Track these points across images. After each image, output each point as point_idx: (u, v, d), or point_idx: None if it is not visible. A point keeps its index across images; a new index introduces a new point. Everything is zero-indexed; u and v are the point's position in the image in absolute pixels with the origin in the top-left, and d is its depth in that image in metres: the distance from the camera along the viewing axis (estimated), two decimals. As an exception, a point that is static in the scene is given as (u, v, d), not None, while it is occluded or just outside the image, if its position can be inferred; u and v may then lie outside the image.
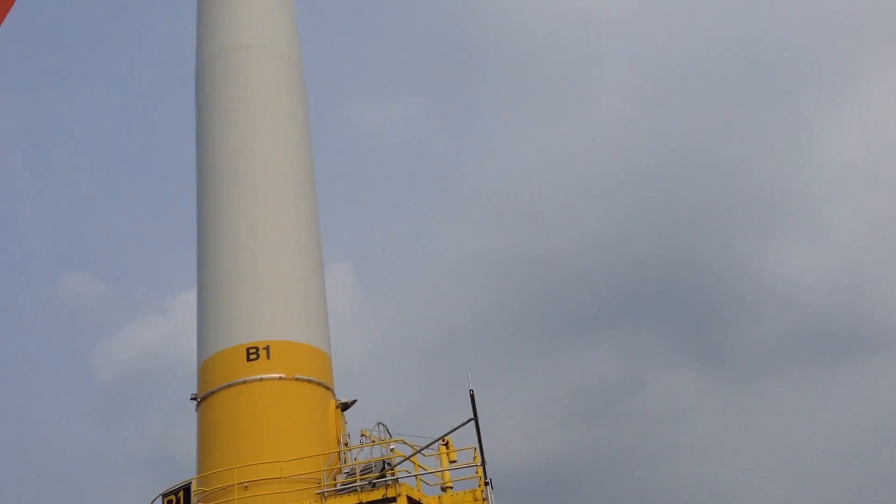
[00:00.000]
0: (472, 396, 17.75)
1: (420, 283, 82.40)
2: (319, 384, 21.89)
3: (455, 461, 20.80)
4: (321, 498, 19.23)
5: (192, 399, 22.54)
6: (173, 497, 19.81)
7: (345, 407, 22.27)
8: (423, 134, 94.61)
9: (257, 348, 21.66)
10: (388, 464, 19.46)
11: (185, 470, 21.44)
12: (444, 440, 20.76)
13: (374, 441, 20.43)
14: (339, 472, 20.24)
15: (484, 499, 19.49)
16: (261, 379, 21.34)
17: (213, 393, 21.70)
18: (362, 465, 19.82)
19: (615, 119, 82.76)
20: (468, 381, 18.12)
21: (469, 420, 18.35)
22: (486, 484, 19.49)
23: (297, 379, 21.41)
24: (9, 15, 28.55)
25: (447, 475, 20.66)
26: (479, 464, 19.71)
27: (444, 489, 20.51)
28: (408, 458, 19.59)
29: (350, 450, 20.82)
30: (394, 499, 18.79)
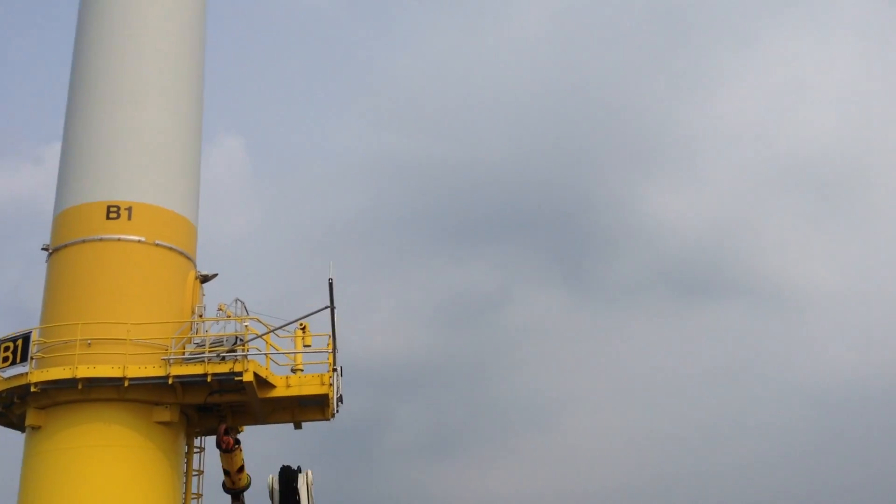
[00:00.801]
0: (331, 285, 17.86)
1: (311, 171, 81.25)
2: (180, 253, 21.43)
3: (309, 346, 21.05)
4: (166, 364, 19.13)
5: (43, 249, 21.64)
6: (10, 344, 19.22)
7: (204, 279, 21.97)
8: (337, 18, 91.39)
9: (119, 207, 20.90)
10: (240, 339, 19.48)
11: (38, 321, 20.76)
12: (301, 325, 20.92)
13: (229, 316, 20.35)
14: (190, 342, 20.13)
15: (330, 384, 19.91)
16: (119, 239, 20.71)
17: (66, 246, 20.91)
18: (213, 337, 19.76)
19: (530, 41, 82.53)
20: (329, 269, 18.17)
21: (325, 307, 18.52)
22: (335, 370, 19.87)
23: (157, 244, 20.88)
24: None
25: (299, 358, 20.92)
26: (330, 350, 20.04)
27: (294, 371, 20.79)
28: (260, 336, 19.67)
29: (203, 321, 20.69)
30: (241, 374, 18.91)
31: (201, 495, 21.39)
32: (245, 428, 22.17)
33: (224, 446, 14.82)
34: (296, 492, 11.89)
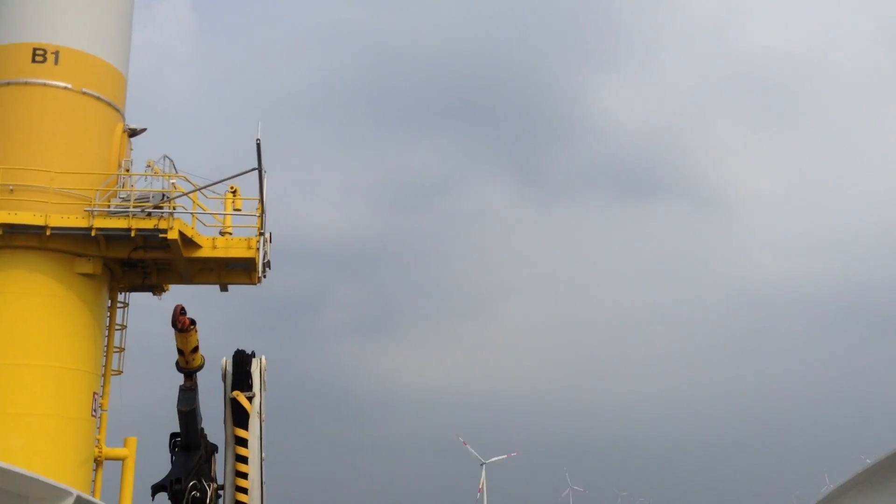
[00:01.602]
0: (259, 146, 17.59)
1: (264, 34, 78.47)
2: (108, 104, 20.76)
3: (240, 209, 20.94)
4: (90, 216, 18.89)
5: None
6: None
7: (132, 133, 21.42)
8: None
9: (45, 51, 20.01)
10: (166, 197, 19.26)
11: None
12: (232, 188, 20.74)
13: (156, 172, 20.02)
14: (115, 195, 19.83)
15: (257, 248, 19.96)
16: (44, 84, 19.93)
17: (-13, 87, 20.06)
18: (140, 192, 19.50)
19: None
20: (257, 129, 17.84)
21: (252, 169, 18.31)
22: (261, 234, 19.86)
23: (84, 93, 20.17)
24: None
25: (228, 220, 20.84)
26: (258, 214, 19.97)
27: (223, 234, 20.74)
28: (186, 194, 19.47)
29: (130, 175, 20.34)
30: (165, 231, 18.80)
31: (123, 349, 21.64)
32: (171, 287, 22.29)
33: (179, 326, 14.89)
34: (248, 375, 12.12)
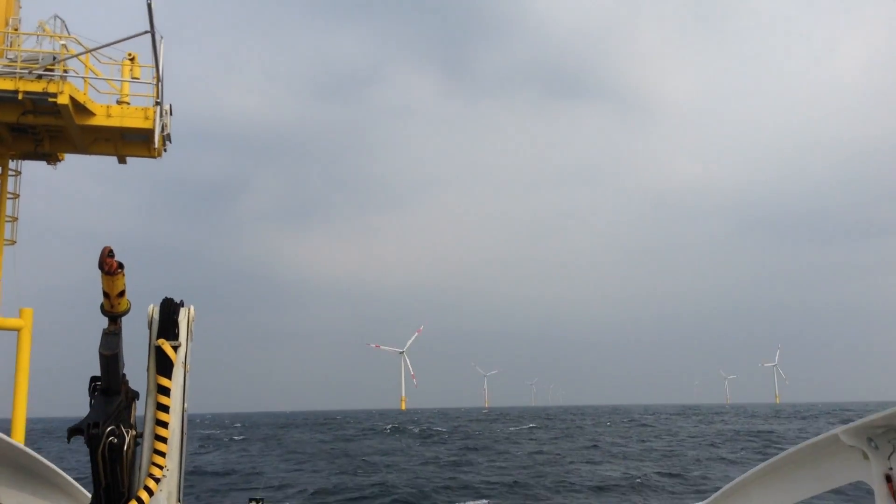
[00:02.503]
0: (150, 7, 16.72)
1: None
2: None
3: (138, 77, 20.09)
4: (-28, 75, 17.85)
5: None
6: None
7: (20, -11, 20.07)
8: None
9: None
10: (56, 59, 18.30)
11: None
12: (130, 55, 19.82)
13: (47, 32, 18.92)
14: (2, 55, 18.72)
15: (155, 119, 19.31)
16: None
17: None
18: (28, 53, 18.46)
19: None
20: None
21: (144, 32, 17.46)
22: (158, 104, 19.17)
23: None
24: None
25: (126, 88, 20.00)
26: (154, 82, 19.22)
27: (120, 102, 19.92)
28: (77, 56, 18.54)
29: (18, 35, 19.18)
30: (55, 95, 17.96)
31: (16, 219, 20.97)
32: (66, 157, 21.49)
33: (106, 268, 14.19)
34: (175, 325, 11.76)
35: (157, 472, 6.78)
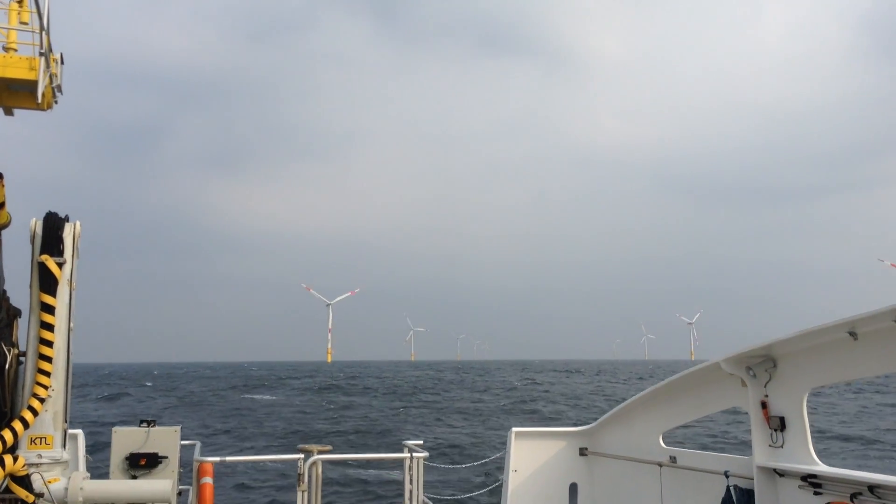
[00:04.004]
0: None
1: None
2: None
3: (26, 23, 18.84)
4: None
5: None
6: None
7: None
8: None
9: None
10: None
11: None
12: None
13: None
14: None
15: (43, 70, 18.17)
16: None
17: None
18: None
19: None
20: None
21: None
22: (42, 54, 18.01)
23: None
24: None
25: (13, 35, 18.75)
26: (39, 30, 18.02)
27: (7, 50, 18.68)
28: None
29: None
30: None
31: None
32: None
33: None
34: (60, 240, 10.92)
35: (41, 391, 6.42)
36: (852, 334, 6.70)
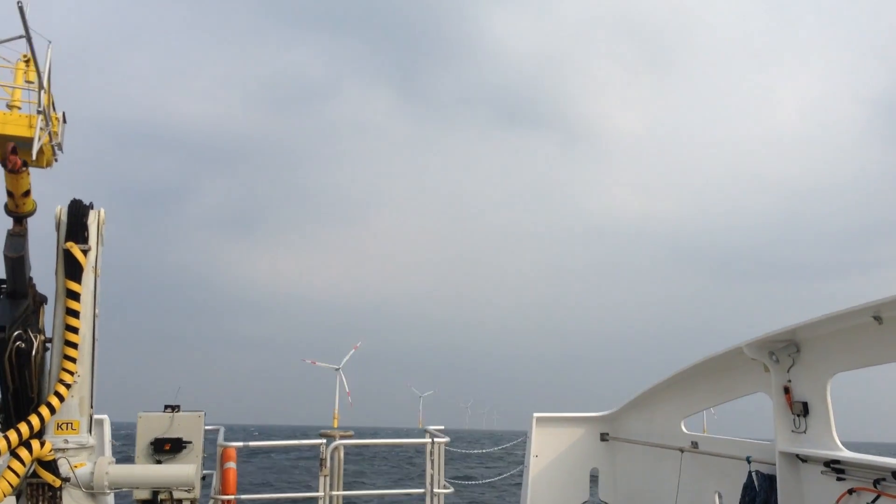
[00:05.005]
0: (21, 10, 15.26)
1: None
2: None
3: (32, 82, 18.78)
4: None
5: None
6: None
7: None
8: None
9: None
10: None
11: None
12: (25, 57, 18.39)
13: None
14: None
15: (41, 128, 18.05)
16: None
17: None
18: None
19: None
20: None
21: (20, 37, 15.96)
22: (40, 112, 17.78)
23: None
24: None
25: (17, 93, 18.72)
26: (38, 89, 17.94)
27: (10, 108, 18.65)
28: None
29: None
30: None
31: None
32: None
33: (10, 166, 13.05)
34: (85, 227, 10.96)
35: (67, 377, 6.50)
36: (877, 318, 6.61)
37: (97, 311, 7.06)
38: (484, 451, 15.66)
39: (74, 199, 7.74)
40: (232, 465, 8.41)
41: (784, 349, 7.92)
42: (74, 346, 6.58)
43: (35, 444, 5.86)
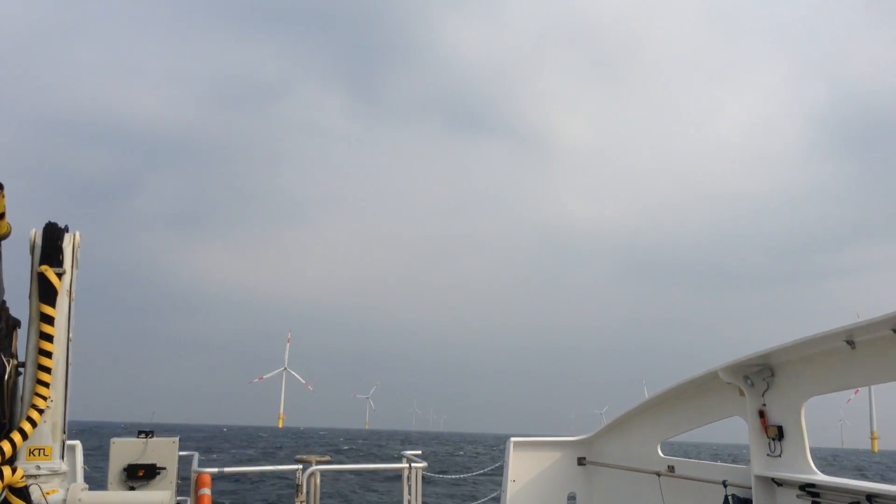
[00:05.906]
0: None
1: None
2: None
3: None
4: None
5: None
6: None
7: None
8: None
9: None
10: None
11: None
12: None
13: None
14: None
15: None
16: None
17: None
18: None
19: None
20: None
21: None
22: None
23: None
24: None
25: None
26: None
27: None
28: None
29: None
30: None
31: None
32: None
33: None
34: (60, 251, 11.05)
35: (40, 402, 6.33)
36: (850, 343, 6.70)
37: (71, 335, 6.98)
38: (462, 476, 15.63)
39: (49, 222, 7.66)
40: (206, 491, 8.31)
41: (758, 373, 8.00)
42: (48, 370, 6.49)
43: (6, 470, 5.76)
